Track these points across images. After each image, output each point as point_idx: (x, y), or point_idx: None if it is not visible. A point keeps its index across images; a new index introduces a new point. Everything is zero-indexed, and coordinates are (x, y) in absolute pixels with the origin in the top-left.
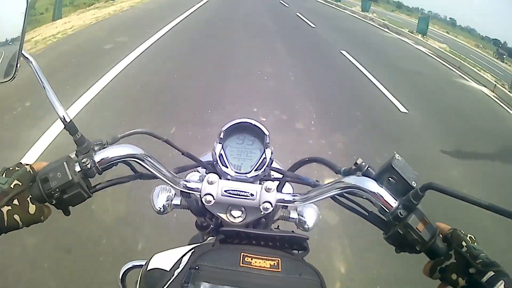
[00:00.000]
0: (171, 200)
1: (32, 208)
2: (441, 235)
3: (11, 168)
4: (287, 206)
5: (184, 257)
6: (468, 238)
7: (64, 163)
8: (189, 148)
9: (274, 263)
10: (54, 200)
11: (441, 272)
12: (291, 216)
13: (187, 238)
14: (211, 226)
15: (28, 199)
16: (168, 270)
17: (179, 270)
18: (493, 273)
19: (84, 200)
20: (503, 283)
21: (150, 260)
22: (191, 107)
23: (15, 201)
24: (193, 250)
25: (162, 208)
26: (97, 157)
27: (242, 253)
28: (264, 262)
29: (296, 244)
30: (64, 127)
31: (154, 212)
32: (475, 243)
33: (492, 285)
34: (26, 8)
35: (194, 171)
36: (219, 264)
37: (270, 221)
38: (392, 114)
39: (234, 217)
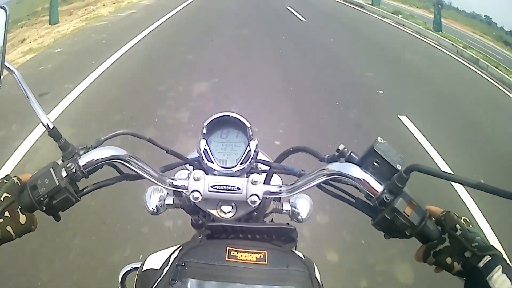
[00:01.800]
0: (164, 200)
1: (22, 218)
2: (433, 218)
3: None
4: (279, 198)
5: (172, 255)
6: (462, 220)
7: (51, 169)
8: None
9: (260, 256)
10: (44, 206)
11: (435, 256)
12: (284, 208)
13: None
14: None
15: (18, 209)
16: (159, 269)
17: (167, 268)
18: (490, 258)
19: (73, 205)
20: (501, 268)
21: (145, 261)
22: None
23: (6, 213)
24: (181, 248)
25: (155, 208)
26: (82, 161)
27: (227, 248)
28: (250, 255)
29: (283, 235)
30: (48, 134)
31: None
32: (470, 225)
33: (489, 270)
34: (6, 21)
35: (184, 168)
36: (205, 259)
37: (261, 214)
38: None
39: (225, 213)
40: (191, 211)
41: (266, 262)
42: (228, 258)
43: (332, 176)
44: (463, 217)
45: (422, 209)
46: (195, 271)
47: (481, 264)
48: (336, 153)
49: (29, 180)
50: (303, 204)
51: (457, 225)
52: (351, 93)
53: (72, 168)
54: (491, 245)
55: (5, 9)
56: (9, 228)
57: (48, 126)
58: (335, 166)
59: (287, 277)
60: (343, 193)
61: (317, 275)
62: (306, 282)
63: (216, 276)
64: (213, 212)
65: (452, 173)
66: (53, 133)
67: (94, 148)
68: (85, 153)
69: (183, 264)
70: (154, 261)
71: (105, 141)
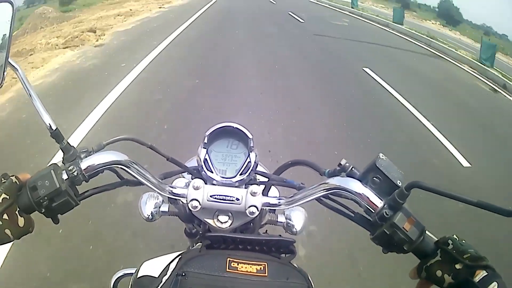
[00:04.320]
0: (159, 207)
1: (21, 221)
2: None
3: None
4: (274, 210)
5: (171, 264)
6: (455, 236)
7: (52, 171)
8: None
9: (261, 268)
10: (43, 208)
11: (426, 271)
12: (278, 220)
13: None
14: (200, 232)
15: (17, 212)
16: (157, 277)
17: (166, 277)
18: (486, 273)
19: (72, 208)
20: (496, 285)
21: (140, 267)
22: None
23: (5, 216)
24: (180, 256)
25: (150, 215)
26: (83, 165)
27: (228, 258)
28: (251, 267)
29: (283, 247)
30: (51, 135)
31: None
32: (463, 241)
33: (485, 286)
34: (13, 15)
35: (181, 176)
36: (206, 270)
37: (257, 225)
38: None
39: (222, 222)
40: (186, 220)
41: (266, 274)
42: (228, 269)
43: (333, 191)
44: (455, 234)
45: (420, 225)
46: (196, 281)
47: (476, 278)
48: (338, 168)
49: (28, 180)
50: (297, 217)
51: (449, 240)
52: None
53: (74, 171)
54: (484, 256)
55: (11, 4)
56: (7, 231)
57: (50, 127)
58: (336, 181)
59: None
60: (342, 207)
61: (313, 285)
62: None
63: (216, 286)
64: (210, 221)
65: (453, 191)
66: (55, 134)
67: (96, 152)
68: (86, 156)
69: (183, 274)
70: (150, 268)
71: (106, 145)
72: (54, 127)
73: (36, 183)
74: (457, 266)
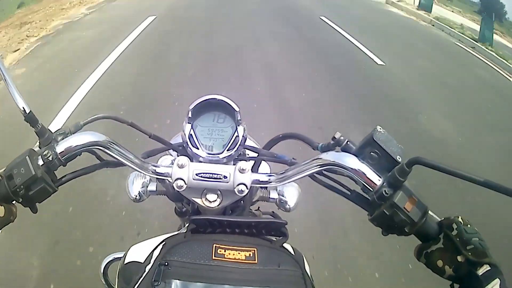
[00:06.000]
0: (147, 187)
1: (1, 211)
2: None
3: None
4: (266, 186)
5: (155, 251)
6: (460, 219)
7: (27, 157)
8: None
9: (250, 254)
10: (20, 197)
11: (426, 257)
12: (271, 196)
13: None
14: (190, 212)
15: None
16: (143, 263)
17: (150, 266)
18: (489, 268)
19: (50, 195)
20: (499, 282)
21: (127, 252)
22: None
23: None
24: (164, 243)
25: (138, 195)
26: (59, 148)
27: (214, 245)
28: (239, 253)
29: (274, 229)
30: (24, 119)
31: None
32: (468, 225)
33: (488, 281)
34: None
35: (167, 154)
36: (190, 258)
37: (248, 203)
38: None
39: (210, 201)
40: (174, 199)
41: (256, 261)
42: (215, 256)
43: (327, 167)
44: (460, 216)
45: (423, 205)
46: (179, 271)
47: (479, 272)
48: (332, 142)
49: (6, 169)
50: (290, 193)
51: (454, 224)
52: None
53: (49, 156)
54: (487, 250)
55: None
56: None
57: (24, 110)
58: (330, 156)
59: (278, 278)
60: (337, 185)
61: (307, 269)
62: (299, 282)
63: (202, 276)
64: (198, 200)
65: (458, 168)
66: (29, 118)
67: (73, 133)
68: (63, 139)
69: (166, 263)
70: (137, 253)
71: (84, 125)
72: (28, 110)
73: (12, 171)
74: (459, 259)
